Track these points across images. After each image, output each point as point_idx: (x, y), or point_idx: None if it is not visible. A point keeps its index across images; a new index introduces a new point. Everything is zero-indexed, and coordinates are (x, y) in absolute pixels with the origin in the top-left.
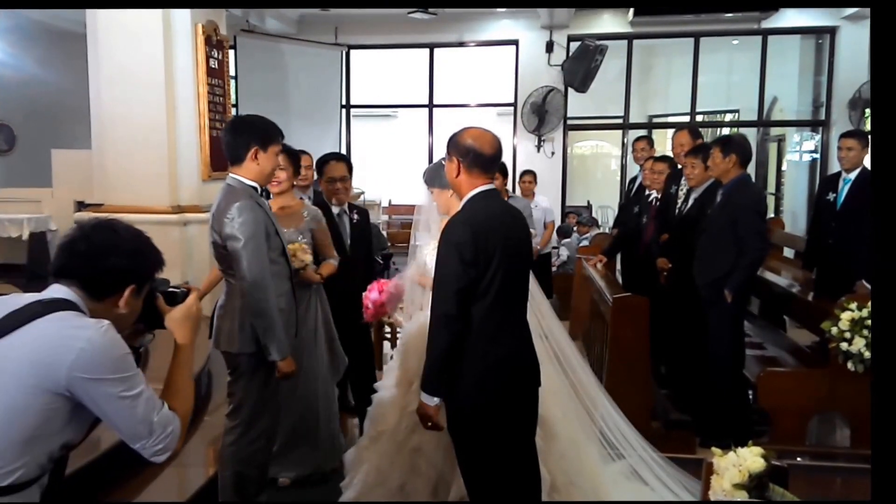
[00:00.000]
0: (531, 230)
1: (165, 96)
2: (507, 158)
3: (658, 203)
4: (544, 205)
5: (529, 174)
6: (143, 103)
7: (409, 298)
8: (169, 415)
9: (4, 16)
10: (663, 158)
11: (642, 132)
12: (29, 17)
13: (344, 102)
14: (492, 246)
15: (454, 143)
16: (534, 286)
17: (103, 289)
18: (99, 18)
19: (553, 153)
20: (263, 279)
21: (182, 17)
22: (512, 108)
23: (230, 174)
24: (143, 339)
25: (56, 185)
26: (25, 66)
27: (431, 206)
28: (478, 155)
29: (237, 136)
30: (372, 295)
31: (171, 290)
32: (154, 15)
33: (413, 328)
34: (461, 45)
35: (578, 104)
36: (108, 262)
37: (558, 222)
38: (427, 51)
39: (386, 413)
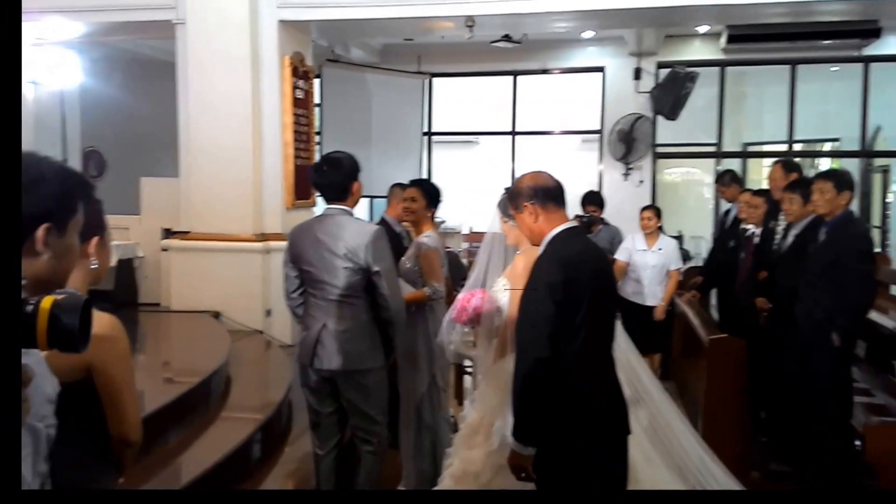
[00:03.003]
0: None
1: (252, 126)
2: (593, 186)
3: (757, 238)
4: (670, 248)
5: (650, 210)
6: (231, 133)
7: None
8: None
9: (94, 45)
10: (761, 192)
11: (734, 162)
12: (118, 46)
13: (426, 130)
14: (582, 286)
15: (518, 194)
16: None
17: None
18: (189, 50)
19: (641, 181)
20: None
21: (269, 49)
22: (597, 135)
23: (339, 205)
24: None
25: (144, 213)
26: (115, 95)
27: (502, 238)
28: (546, 189)
29: (349, 172)
30: (474, 300)
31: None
32: (242, 46)
33: (491, 363)
34: (545, 72)
35: (667, 132)
36: None
37: None
38: (510, 78)
39: (472, 456)
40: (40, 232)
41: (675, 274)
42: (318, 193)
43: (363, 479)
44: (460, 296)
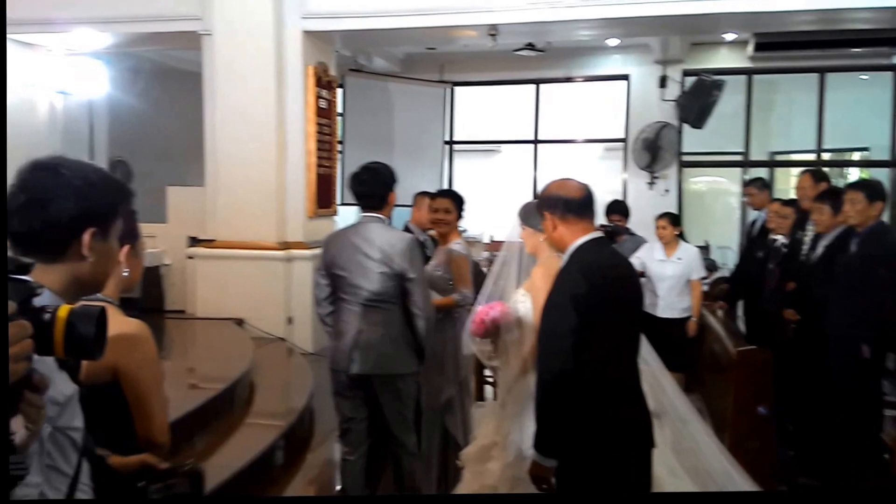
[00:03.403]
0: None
1: (276, 136)
2: (617, 195)
3: (785, 249)
4: (690, 257)
5: (665, 218)
6: (255, 143)
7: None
8: None
9: (122, 56)
10: (790, 202)
11: (762, 170)
12: (145, 56)
13: (447, 139)
14: (606, 296)
15: (540, 203)
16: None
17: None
18: (215, 60)
19: (667, 190)
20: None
21: (294, 59)
22: (621, 143)
23: (374, 213)
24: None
25: (170, 221)
26: (141, 105)
27: (522, 246)
28: (567, 201)
29: (387, 182)
30: (493, 312)
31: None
32: (267, 57)
33: (512, 373)
34: (568, 80)
35: (693, 140)
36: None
37: None
38: (533, 86)
39: (491, 467)
40: (87, 236)
41: (698, 284)
42: (350, 202)
43: (405, 478)
44: (477, 308)
